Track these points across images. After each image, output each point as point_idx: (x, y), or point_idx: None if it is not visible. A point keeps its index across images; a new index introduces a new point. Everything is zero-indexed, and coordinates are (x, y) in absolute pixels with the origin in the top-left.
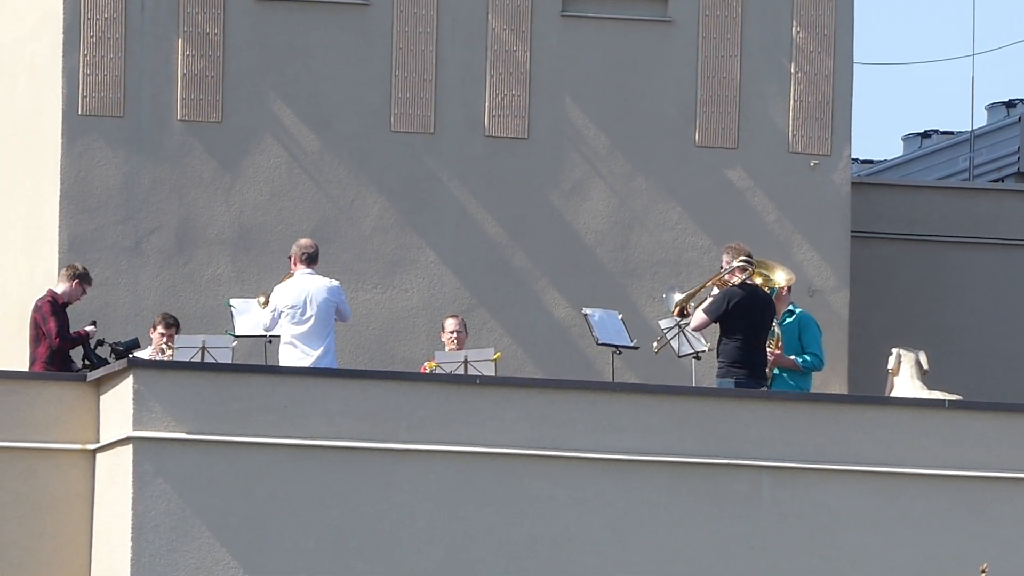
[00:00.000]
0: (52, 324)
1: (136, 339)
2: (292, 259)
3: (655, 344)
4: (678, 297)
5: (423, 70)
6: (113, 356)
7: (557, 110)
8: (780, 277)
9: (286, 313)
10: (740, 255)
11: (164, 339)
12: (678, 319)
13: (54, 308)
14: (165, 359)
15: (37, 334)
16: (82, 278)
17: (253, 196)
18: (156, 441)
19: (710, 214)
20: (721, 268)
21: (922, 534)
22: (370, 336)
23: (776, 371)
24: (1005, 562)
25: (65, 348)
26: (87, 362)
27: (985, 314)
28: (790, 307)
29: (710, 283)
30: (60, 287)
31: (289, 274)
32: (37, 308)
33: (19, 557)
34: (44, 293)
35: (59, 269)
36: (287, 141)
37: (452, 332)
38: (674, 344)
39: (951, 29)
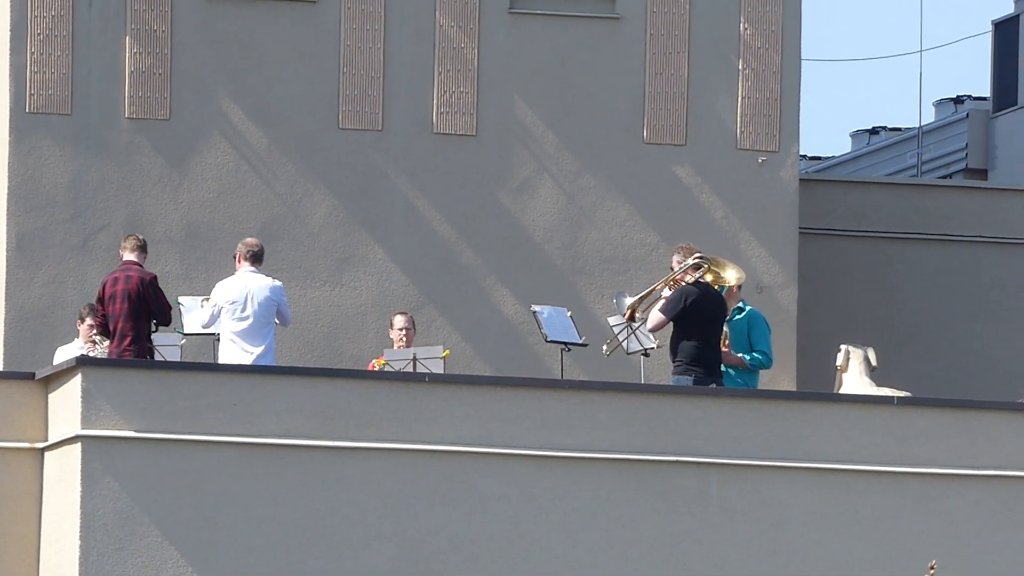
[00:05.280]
0: (164, 300)
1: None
2: (237, 257)
3: (605, 347)
4: (629, 301)
5: (371, 67)
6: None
7: (505, 107)
8: (731, 275)
9: (226, 309)
10: (692, 254)
11: (93, 330)
12: (628, 323)
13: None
14: (98, 351)
15: (138, 309)
16: (147, 249)
17: (201, 194)
18: (104, 439)
19: (658, 211)
20: (671, 269)
21: (871, 530)
22: (319, 334)
23: (723, 368)
24: (954, 557)
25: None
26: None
27: (933, 311)
28: (740, 304)
29: (660, 285)
30: (140, 258)
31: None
32: (147, 284)
33: None
34: (134, 268)
35: (7, 268)
36: (235, 138)
37: (401, 329)
38: (623, 341)
39: (899, 25)
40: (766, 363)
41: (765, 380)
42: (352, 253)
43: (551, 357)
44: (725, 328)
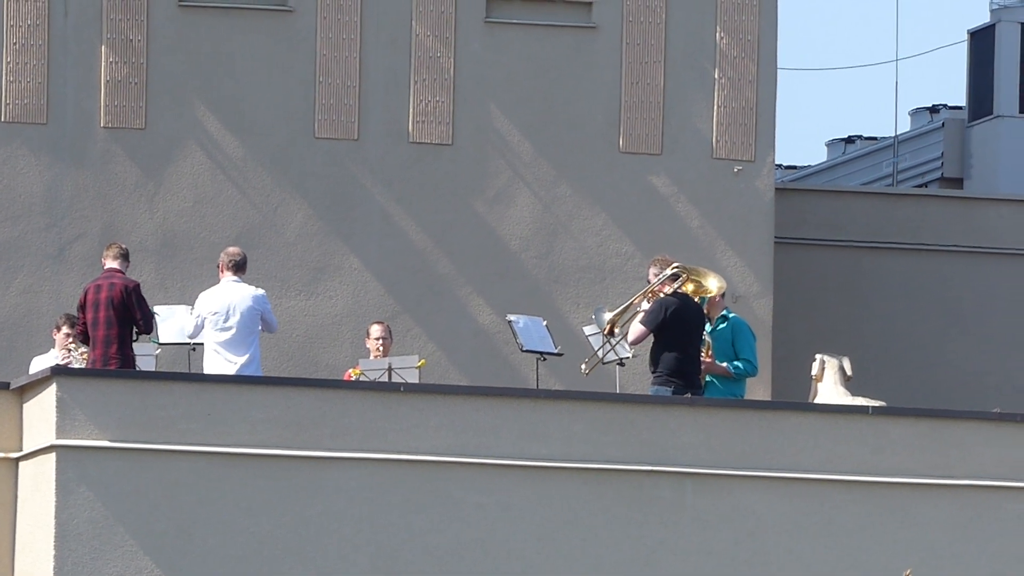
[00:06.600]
0: (148, 309)
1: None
2: (220, 267)
3: (584, 366)
4: (608, 316)
5: (347, 76)
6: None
7: (481, 116)
8: (712, 284)
9: (209, 320)
10: (668, 266)
11: (69, 339)
12: (608, 337)
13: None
14: (72, 359)
15: (122, 316)
16: (129, 257)
17: (177, 203)
18: (79, 449)
19: (634, 220)
20: (648, 281)
21: (846, 540)
22: (294, 343)
23: (708, 378)
24: (928, 567)
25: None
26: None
27: (908, 320)
28: (724, 312)
29: (639, 298)
30: (123, 266)
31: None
32: (130, 291)
33: None
34: (117, 276)
35: None
36: (211, 148)
37: (378, 339)
38: (602, 357)
39: (874, 34)
40: (751, 371)
41: None
42: (328, 262)
43: (527, 366)
44: (708, 338)
